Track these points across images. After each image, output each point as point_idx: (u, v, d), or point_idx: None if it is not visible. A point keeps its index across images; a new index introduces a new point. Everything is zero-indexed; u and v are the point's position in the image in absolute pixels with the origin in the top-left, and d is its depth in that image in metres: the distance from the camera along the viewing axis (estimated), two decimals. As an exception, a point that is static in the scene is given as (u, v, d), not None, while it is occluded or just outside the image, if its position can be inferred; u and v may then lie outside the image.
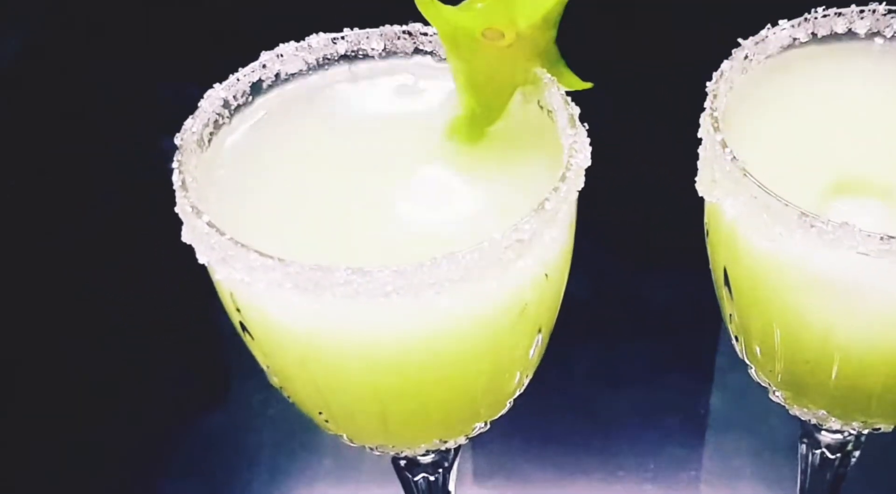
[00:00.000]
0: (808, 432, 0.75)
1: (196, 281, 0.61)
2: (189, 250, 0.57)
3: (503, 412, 0.67)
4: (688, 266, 0.72)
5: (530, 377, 0.66)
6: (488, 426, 0.67)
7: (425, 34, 0.66)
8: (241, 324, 0.59)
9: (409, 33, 0.67)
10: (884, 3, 0.69)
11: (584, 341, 0.95)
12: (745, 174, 0.58)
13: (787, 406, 0.70)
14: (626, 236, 1.00)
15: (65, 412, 1.01)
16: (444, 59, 0.64)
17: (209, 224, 0.54)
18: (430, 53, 0.67)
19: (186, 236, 0.56)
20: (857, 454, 0.77)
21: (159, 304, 1.06)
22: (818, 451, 0.76)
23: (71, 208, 1.15)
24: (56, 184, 1.18)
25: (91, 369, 1.04)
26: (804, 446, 0.77)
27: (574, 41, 0.64)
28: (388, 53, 0.67)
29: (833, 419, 0.68)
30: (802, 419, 0.70)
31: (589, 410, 0.96)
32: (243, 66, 0.64)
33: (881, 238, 0.54)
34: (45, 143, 1.22)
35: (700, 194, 0.64)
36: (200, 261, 0.56)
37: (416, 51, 0.67)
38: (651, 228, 1.00)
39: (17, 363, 1.04)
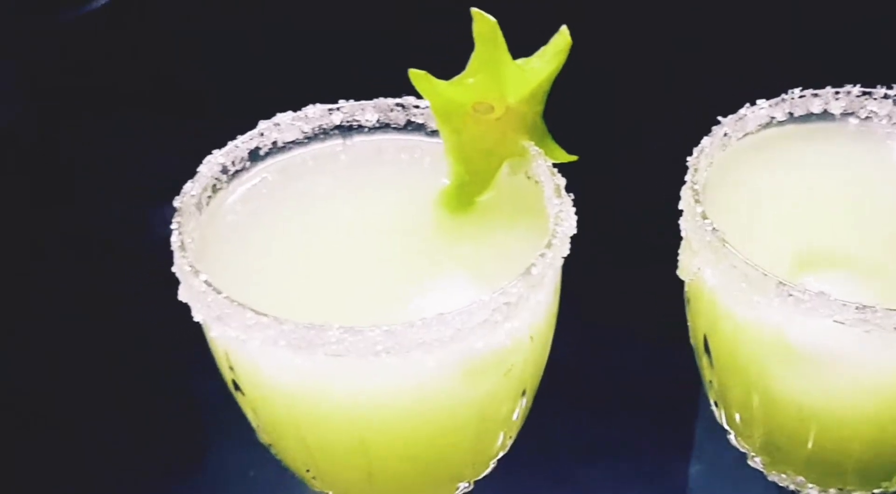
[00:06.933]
0: (787, 500, 0.76)
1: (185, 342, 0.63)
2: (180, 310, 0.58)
3: (486, 472, 0.68)
4: (667, 334, 0.74)
5: (514, 438, 0.67)
6: (472, 486, 0.68)
7: (417, 107, 0.69)
8: (234, 382, 0.61)
9: (402, 106, 0.69)
10: (858, 85, 0.72)
11: (568, 406, 0.96)
12: (724, 244, 0.60)
13: (765, 472, 0.71)
14: (609, 302, 1.02)
15: (43, 472, 1.00)
16: (436, 131, 0.66)
17: (206, 283, 0.56)
18: (422, 126, 0.69)
19: (183, 295, 0.58)
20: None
21: (153, 365, 1.06)
22: (797, 520, 0.77)
23: (61, 270, 1.16)
24: (55, 245, 1.19)
25: (83, 430, 1.03)
26: (783, 514, 0.78)
27: (561, 115, 0.66)
28: (381, 125, 0.70)
29: (810, 485, 0.69)
30: (780, 485, 0.71)
31: (570, 478, 0.96)
32: (242, 134, 0.67)
33: (856, 307, 0.56)
34: (47, 206, 1.24)
35: (681, 277, 0.66)
36: (196, 319, 0.58)
37: (409, 123, 0.70)
38: (633, 296, 1.02)
39: None
